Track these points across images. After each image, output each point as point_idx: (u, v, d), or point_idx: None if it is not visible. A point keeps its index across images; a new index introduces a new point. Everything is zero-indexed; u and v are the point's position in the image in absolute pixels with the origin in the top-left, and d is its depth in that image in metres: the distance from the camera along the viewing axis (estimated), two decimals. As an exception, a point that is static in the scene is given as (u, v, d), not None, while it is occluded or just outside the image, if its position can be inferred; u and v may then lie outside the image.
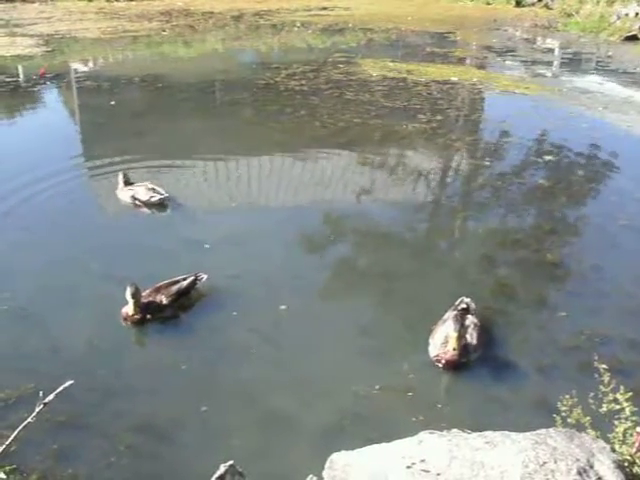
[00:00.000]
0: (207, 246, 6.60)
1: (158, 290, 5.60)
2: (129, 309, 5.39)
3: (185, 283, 5.70)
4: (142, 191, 7.74)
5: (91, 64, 15.99)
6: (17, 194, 7.84)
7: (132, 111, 11.64)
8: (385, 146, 9.77)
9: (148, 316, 5.43)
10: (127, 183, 7.90)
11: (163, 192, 7.74)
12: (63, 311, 5.58)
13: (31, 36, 18.09)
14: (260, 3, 24.62)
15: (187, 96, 12.25)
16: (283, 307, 5.60)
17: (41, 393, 3.85)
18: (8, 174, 8.44)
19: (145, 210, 7.64)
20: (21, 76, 14.15)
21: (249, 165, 8.98)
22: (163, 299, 5.54)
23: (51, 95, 13.18)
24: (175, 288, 5.63)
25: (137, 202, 7.71)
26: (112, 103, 11.76)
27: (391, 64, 14.74)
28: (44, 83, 13.60)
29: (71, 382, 4.04)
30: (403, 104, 11.64)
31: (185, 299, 5.67)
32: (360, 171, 8.86)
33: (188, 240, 6.72)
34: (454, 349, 4.77)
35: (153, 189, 7.77)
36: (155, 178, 8.33)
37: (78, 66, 15.57)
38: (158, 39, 18.37)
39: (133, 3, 24.31)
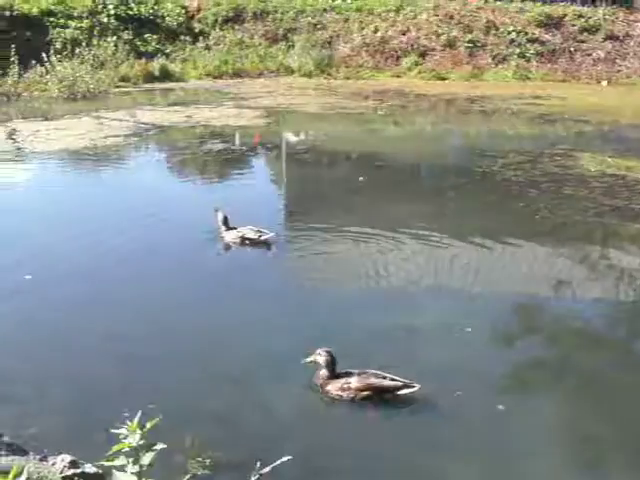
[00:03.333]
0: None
1: (359, 374, 5.51)
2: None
3: (385, 384, 5.46)
4: (249, 231, 8.69)
5: (304, 136, 16.77)
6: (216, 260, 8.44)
7: (345, 187, 11.95)
8: (605, 246, 9.38)
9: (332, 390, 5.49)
10: (227, 226, 8.78)
11: (269, 232, 8.66)
12: (275, 378, 5.71)
13: (256, 108, 19.26)
14: (474, 88, 24.74)
15: (403, 178, 12.44)
16: (501, 407, 5.41)
17: (258, 463, 3.94)
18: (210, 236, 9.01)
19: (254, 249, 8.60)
20: (239, 144, 15.10)
21: (451, 250, 8.86)
22: (353, 383, 5.47)
23: (266, 164, 13.95)
24: (373, 381, 5.46)
25: (246, 242, 8.68)
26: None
27: (609, 159, 14.22)
28: (264, 152, 14.42)
29: (289, 457, 4.12)
30: (624, 203, 11.16)
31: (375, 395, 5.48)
32: (570, 269, 8.54)
33: (379, 324, 6.69)
34: None
35: (259, 230, 8.68)
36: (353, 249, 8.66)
37: (292, 138, 16.36)
38: (369, 117, 18.87)
39: (350, 81, 25.31)
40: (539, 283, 7.99)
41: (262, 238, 8.75)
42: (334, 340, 5.93)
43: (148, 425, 3.11)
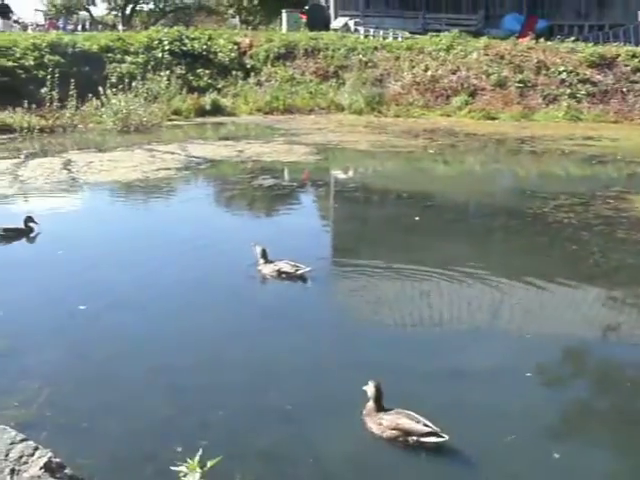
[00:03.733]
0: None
1: (395, 413, 5.46)
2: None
3: (412, 427, 5.32)
4: (286, 265, 8.76)
5: (352, 173, 16.90)
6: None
7: (394, 226, 11.95)
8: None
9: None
10: (266, 259, 8.92)
11: (305, 267, 8.77)
12: (324, 414, 5.70)
13: (306, 144, 19.46)
14: (525, 129, 24.60)
15: (454, 217, 12.33)
16: (557, 455, 5.30)
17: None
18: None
19: (295, 283, 8.69)
20: (290, 180, 15.27)
21: (502, 291, 8.73)
22: (385, 421, 5.42)
23: (315, 200, 14.10)
24: (402, 421, 5.35)
25: (283, 275, 8.76)
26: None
27: (664, 202, 14.01)
28: (313, 188, 14.54)
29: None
30: (680, 247, 10.96)
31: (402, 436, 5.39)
32: (623, 312, 8.38)
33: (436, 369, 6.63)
34: None
35: (295, 264, 8.79)
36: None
37: (341, 175, 16.47)
38: (419, 155, 18.87)
39: (400, 119, 25.41)
40: (592, 326, 7.86)
41: (298, 272, 8.85)
42: (382, 378, 5.86)
43: (209, 464, 3.12)
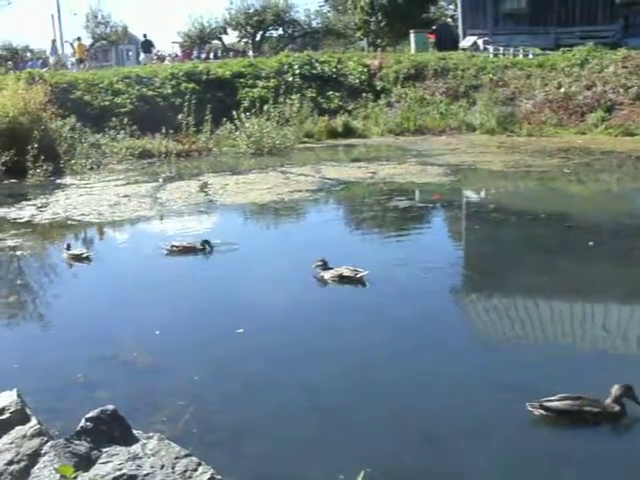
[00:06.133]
0: None
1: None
2: None
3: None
4: (346, 270, 9.21)
5: (487, 194, 16.69)
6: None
7: (531, 247, 11.68)
8: None
9: None
10: (325, 267, 9.37)
11: (364, 271, 9.13)
12: (472, 438, 5.60)
13: (439, 165, 19.38)
14: (669, 144, 23.48)
15: (597, 239, 11.85)
16: None
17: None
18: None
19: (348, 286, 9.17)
20: (425, 201, 15.28)
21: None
22: None
23: (451, 221, 14.14)
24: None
25: (344, 279, 9.19)
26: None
27: None
28: (449, 209, 14.46)
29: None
30: None
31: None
32: None
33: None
34: None
35: (355, 269, 9.19)
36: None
37: (476, 195, 16.29)
38: (554, 175, 18.37)
39: (533, 139, 24.78)
40: None
41: (358, 276, 9.18)
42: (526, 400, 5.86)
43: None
